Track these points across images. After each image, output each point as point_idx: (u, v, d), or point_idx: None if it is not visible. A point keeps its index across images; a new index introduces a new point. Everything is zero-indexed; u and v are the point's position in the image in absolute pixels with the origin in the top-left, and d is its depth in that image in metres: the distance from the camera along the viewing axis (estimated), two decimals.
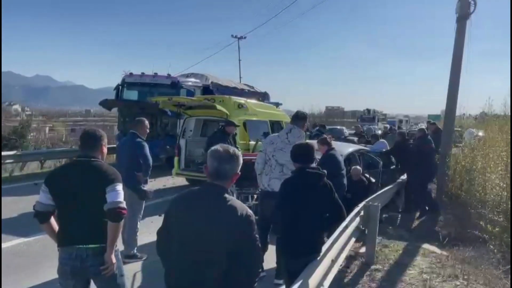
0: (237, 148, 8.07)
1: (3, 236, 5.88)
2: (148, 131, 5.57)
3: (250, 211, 2.23)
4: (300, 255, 3.38)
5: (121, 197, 2.79)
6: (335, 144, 9.22)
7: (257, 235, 2.22)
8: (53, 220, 2.91)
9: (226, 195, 2.22)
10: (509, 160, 7.27)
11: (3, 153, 11.13)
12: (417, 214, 8.84)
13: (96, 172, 2.82)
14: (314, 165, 3.68)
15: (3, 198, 7.57)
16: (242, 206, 2.22)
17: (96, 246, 2.79)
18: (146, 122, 5.52)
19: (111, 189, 2.76)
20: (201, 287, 2.15)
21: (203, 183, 2.36)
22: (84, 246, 2.78)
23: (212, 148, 2.34)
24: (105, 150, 3.04)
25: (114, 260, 2.83)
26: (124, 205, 2.80)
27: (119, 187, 2.82)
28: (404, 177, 9.00)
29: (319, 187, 3.41)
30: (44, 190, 2.82)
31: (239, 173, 2.30)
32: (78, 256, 2.77)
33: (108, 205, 2.73)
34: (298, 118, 4.87)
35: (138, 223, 5.38)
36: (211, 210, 2.17)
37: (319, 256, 3.46)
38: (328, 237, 4.31)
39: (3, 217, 6.69)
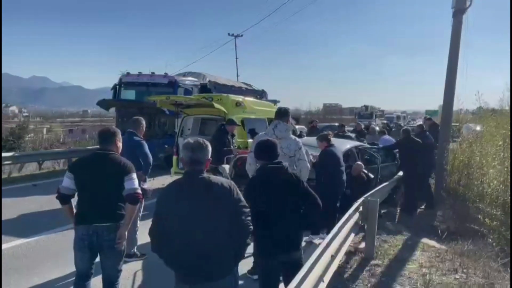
0: (235, 146, 8.12)
1: (3, 237, 5.89)
2: (144, 129, 5.56)
3: (232, 182, 2.72)
4: (277, 254, 3.28)
5: (137, 184, 3.40)
6: (334, 140, 9.24)
7: (242, 198, 2.70)
8: (71, 203, 3.46)
9: (205, 175, 2.64)
10: (506, 155, 7.27)
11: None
12: (418, 209, 8.89)
13: (115, 163, 3.40)
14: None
15: (2, 200, 7.58)
16: (224, 179, 2.72)
17: (110, 224, 3.35)
18: (143, 121, 5.51)
19: (129, 178, 3.35)
20: (214, 253, 2.55)
21: (184, 173, 2.74)
22: (100, 224, 3.32)
23: (185, 141, 2.79)
24: (119, 144, 3.61)
25: (126, 236, 3.43)
26: (139, 190, 3.41)
27: (135, 175, 3.42)
28: (401, 173, 9.00)
29: (283, 180, 3.30)
30: (69, 176, 3.38)
31: (210, 158, 2.74)
32: (95, 232, 3.32)
33: (127, 191, 3.33)
34: (282, 113, 5.09)
35: (138, 222, 5.38)
36: (199, 189, 2.58)
37: (299, 254, 3.36)
38: (328, 232, 4.33)
39: (2, 218, 6.69)
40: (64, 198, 3.38)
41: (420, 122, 20.41)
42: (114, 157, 3.44)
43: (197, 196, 2.56)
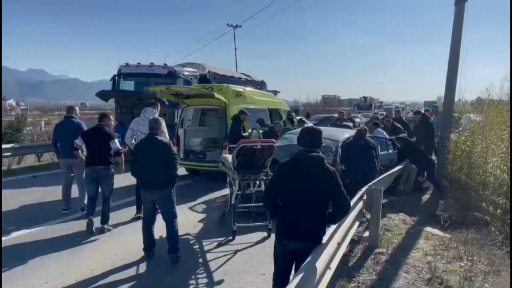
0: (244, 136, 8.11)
1: (6, 228, 5.91)
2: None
3: (169, 141, 5.24)
4: (294, 241, 3.24)
5: (118, 144, 6.14)
6: (333, 130, 9.17)
7: (174, 151, 5.14)
8: (80, 152, 6.38)
9: (158, 136, 5.03)
10: (507, 144, 7.21)
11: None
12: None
13: (105, 132, 6.10)
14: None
15: (2, 191, 7.53)
16: (165, 139, 5.21)
17: (103, 166, 6.01)
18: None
19: (112, 142, 6.07)
20: (158, 175, 4.90)
21: (147, 134, 5.16)
22: (99, 166, 5.99)
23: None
24: (110, 122, 6.54)
25: (124, 169, 6.23)
26: (120, 147, 6.19)
27: (116, 140, 6.15)
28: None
29: (319, 171, 3.19)
30: (80, 139, 6.18)
31: (162, 127, 5.35)
32: (96, 171, 6.00)
33: (113, 149, 6.05)
34: (153, 104, 7.32)
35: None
36: (153, 143, 4.98)
37: (318, 245, 3.27)
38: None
39: (4, 210, 6.66)
40: (76, 148, 6.27)
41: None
42: (105, 129, 6.14)
43: (152, 146, 4.95)
